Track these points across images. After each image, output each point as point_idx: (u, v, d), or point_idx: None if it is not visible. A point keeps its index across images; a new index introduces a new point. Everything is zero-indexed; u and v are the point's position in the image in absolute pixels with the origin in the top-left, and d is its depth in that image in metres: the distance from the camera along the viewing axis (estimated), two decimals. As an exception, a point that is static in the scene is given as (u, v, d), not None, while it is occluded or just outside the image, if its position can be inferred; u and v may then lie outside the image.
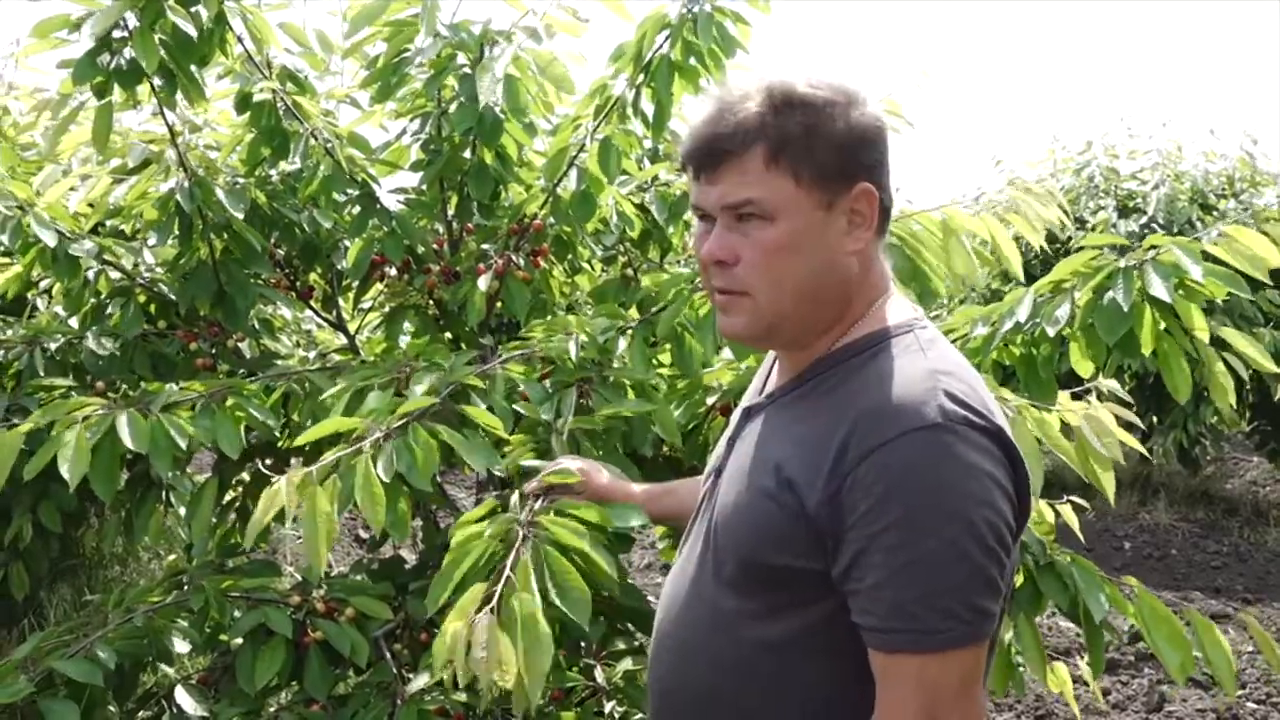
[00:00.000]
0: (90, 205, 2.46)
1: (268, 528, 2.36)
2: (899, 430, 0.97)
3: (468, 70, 2.22)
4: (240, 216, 2.26)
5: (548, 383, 1.86)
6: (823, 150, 1.05)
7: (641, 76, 2.15)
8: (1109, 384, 1.74)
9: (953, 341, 1.46)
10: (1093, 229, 6.23)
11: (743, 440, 1.18)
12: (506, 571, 1.29)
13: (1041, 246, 2.11)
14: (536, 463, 1.66)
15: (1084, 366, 1.72)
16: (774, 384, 1.18)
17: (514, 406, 1.81)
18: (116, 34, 1.96)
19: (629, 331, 1.94)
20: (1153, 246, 1.63)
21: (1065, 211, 2.08)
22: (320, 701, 1.82)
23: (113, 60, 1.98)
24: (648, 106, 2.19)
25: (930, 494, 0.96)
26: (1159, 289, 1.55)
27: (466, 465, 1.77)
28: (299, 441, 1.71)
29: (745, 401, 1.24)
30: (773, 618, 1.07)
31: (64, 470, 1.67)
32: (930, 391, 0.99)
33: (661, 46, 2.12)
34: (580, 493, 1.51)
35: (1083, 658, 3.67)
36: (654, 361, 1.97)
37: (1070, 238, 5.46)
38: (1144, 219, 6.38)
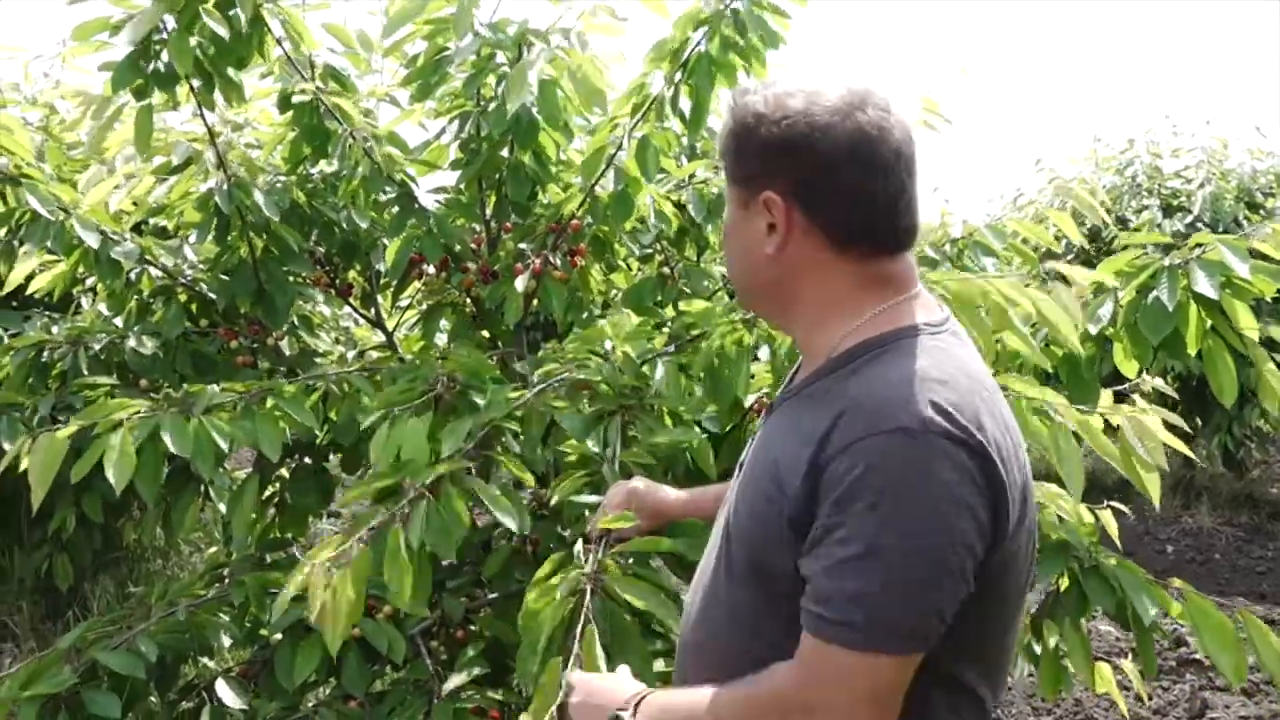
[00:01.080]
0: (134, 204, 2.49)
1: (306, 521, 2.40)
2: (874, 430, 0.97)
3: (506, 69, 2.23)
4: (277, 217, 2.28)
5: (587, 410, 1.84)
6: (741, 156, 1.14)
7: (679, 74, 2.15)
8: (1153, 382, 1.72)
9: (995, 342, 1.50)
10: (1136, 229, 6.13)
11: (759, 438, 1.21)
12: (575, 649, 1.30)
13: (1083, 246, 2.09)
14: (589, 498, 1.66)
15: (1128, 367, 1.69)
16: (796, 382, 1.20)
17: (559, 448, 1.82)
18: (155, 37, 1.98)
19: (664, 360, 1.93)
20: (1198, 245, 1.60)
21: (1106, 210, 2.05)
22: (357, 698, 1.83)
23: (151, 64, 2.00)
24: (685, 104, 2.18)
25: (890, 500, 0.95)
26: (1205, 286, 1.52)
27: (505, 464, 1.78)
28: (340, 505, 1.71)
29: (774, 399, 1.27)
30: (783, 619, 1.05)
31: (110, 474, 1.69)
32: (914, 396, 0.99)
33: (700, 43, 2.11)
34: (639, 525, 1.53)
35: (1128, 659, 3.63)
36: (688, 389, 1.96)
37: (1114, 238, 5.38)
38: (1189, 218, 6.27)
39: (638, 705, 1.14)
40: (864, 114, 1.08)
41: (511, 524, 1.63)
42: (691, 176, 2.40)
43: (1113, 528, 1.82)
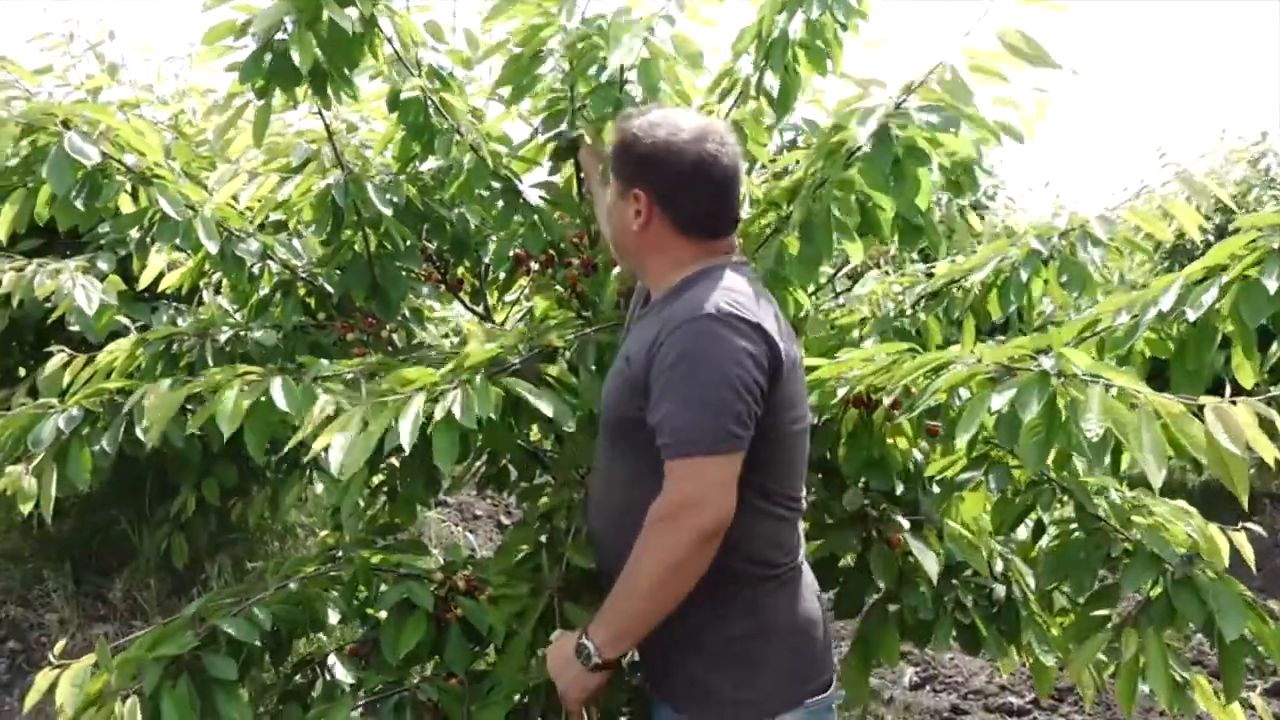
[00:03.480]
0: (259, 200, 2.61)
1: (414, 510, 2.47)
2: (685, 319, 1.50)
3: (604, 60, 2.25)
4: (389, 214, 2.35)
5: None
6: (623, 160, 1.66)
7: (765, 59, 2.15)
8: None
9: (1099, 332, 1.81)
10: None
11: (621, 346, 1.73)
12: None
13: (1207, 240, 2.01)
14: None
15: (1245, 374, 1.63)
16: (645, 309, 1.71)
17: None
18: (277, 36, 2.07)
19: None
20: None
21: (1235, 204, 1.97)
22: (459, 676, 1.89)
23: (273, 62, 2.09)
24: (772, 83, 2.19)
25: (700, 357, 1.47)
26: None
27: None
28: (385, 385, 1.82)
29: (627, 321, 1.84)
30: (630, 459, 1.59)
31: (221, 424, 1.82)
32: (712, 299, 1.51)
33: (790, 25, 2.12)
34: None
35: (1256, 690, 3.43)
36: None
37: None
38: (1325, 212, 5.93)
39: (586, 630, 1.54)
40: (707, 144, 1.61)
41: (548, 410, 1.80)
42: (785, 170, 2.39)
43: (1247, 550, 1.77)
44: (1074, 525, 1.76)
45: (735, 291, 1.54)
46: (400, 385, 1.80)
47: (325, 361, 1.97)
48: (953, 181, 2.06)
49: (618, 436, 1.64)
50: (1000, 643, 2.04)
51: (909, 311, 2.40)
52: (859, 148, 1.86)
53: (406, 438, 1.65)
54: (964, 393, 1.71)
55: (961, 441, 1.56)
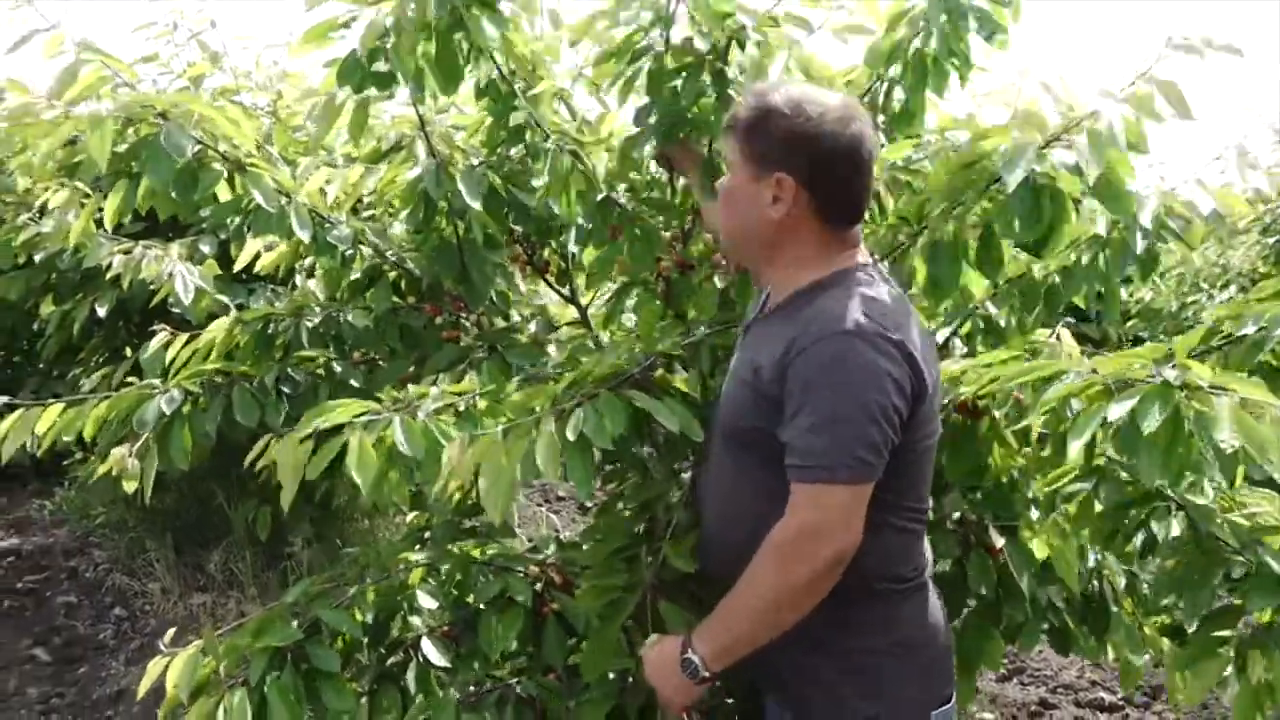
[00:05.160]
0: (346, 191, 2.64)
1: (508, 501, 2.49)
2: (826, 333, 1.41)
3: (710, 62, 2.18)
4: (477, 205, 2.35)
5: None
6: (761, 138, 1.51)
7: (901, 74, 2.11)
8: None
9: (1221, 343, 1.76)
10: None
11: (740, 349, 1.66)
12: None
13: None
14: None
15: None
16: (768, 309, 1.61)
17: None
18: (377, 42, 2.09)
19: None
20: None
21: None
22: (556, 670, 1.90)
23: (372, 63, 2.10)
24: (901, 98, 2.13)
25: (839, 378, 1.39)
26: None
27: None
28: (507, 407, 1.80)
29: (745, 321, 1.71)
30: (752, 472, 1.53)
31: (355, 477, 1.73)
32: (852, 312, 1.42)
33: (927, 42, 2.05)
34: None
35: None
36: None
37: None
38: None
39: (690, 642, 1.50)
40: (855, 125, 1.49)
41: (674, 425, 1.72)
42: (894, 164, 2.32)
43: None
44: (1190, 543, 1.69)
45: (877, 302, 1.45)
46: (517, 410, 1.75)
47: (435, 389, 1.93)
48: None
49: (738, 447, 1.58)
50: (1091, 643, 2.01)
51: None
52: (997, 177, 1.73)
53: (547, 467, 1.60)
54: (1075, 403, 1.65)
55: (1074, 450, 1.49)
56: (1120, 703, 3.60)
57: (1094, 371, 1.53)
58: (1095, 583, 2.04)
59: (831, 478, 1.38)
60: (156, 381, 2.46)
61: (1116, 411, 1.43)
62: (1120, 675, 2.09)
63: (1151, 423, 1.39)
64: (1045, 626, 2.00)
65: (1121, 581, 2.05)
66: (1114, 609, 2.01)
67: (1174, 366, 1.46)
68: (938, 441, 1.57)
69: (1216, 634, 1.61)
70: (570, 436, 1.63)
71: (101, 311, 3.70)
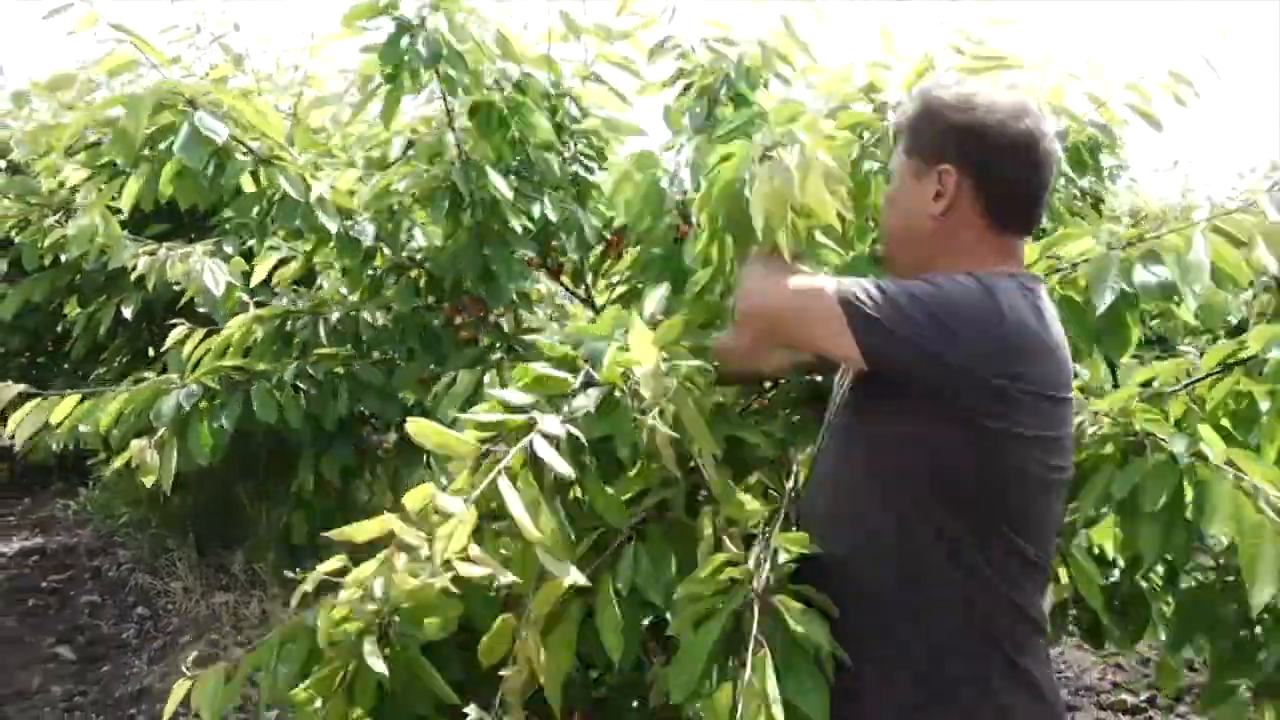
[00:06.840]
0: (383, 188, 2.65)
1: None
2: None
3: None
4: (510, 195, 2.36)
5: None
6: (926, 133, 1.40)
7: None
8: None
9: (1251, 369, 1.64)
10: None
11: None
12: (747, 676, 1.23)
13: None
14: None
15: None
16: None
17: None
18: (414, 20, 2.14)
19: None
20: None
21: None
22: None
23: (412, 43, 2.13)
24: None
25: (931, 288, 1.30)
26: None
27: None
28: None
29: None
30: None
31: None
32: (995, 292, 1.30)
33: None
34: None
35: None
36: None
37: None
38: None
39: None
40: (1029, 119, 1.36)
41: (770, 452, 1.62)
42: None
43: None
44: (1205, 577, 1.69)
45: (1020, 310, 1.30)
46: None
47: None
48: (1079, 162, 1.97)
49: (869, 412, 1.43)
50: (1123, 636, 1.96)
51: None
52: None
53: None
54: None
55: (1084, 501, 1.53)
56: (1143, 704, 3.56)
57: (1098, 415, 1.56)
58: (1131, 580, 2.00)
59: (837, 288, 1.32)
60: (174, 376, 2.48)
61: (1120, 488, 1.47)
62: (1161, 675, 2.03)
63: (1154, 501, 1.44)
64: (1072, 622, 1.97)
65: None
66: (1153, 604, 1.93)
67: (1183, 439, 1.48)
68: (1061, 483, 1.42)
69: (1233, 681, 1.61)
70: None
71: (127, 313, 3.75)
